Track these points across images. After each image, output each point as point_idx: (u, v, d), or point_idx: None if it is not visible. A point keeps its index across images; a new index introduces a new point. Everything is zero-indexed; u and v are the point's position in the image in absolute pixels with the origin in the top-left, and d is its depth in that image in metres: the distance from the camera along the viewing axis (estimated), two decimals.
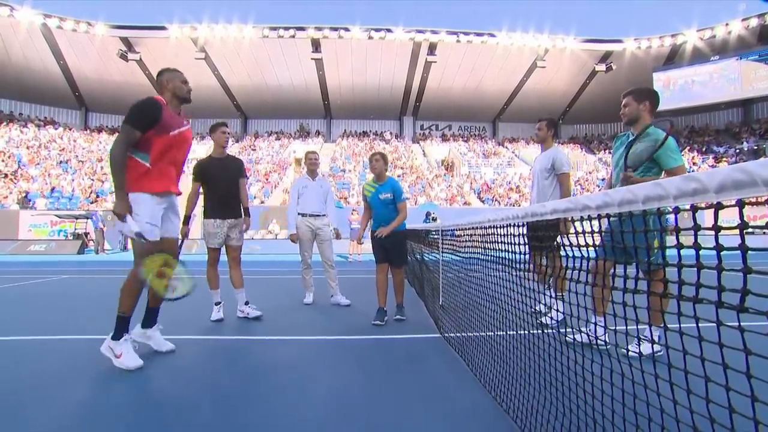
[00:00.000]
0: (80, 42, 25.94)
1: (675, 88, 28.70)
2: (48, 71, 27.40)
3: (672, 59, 29.28)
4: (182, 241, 3.33)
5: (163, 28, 25.89)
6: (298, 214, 4.34)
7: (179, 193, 2.60)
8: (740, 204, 0.62)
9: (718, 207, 0.65)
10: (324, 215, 4.41)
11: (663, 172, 2.40)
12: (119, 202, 2.26)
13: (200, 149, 23.68)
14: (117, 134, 2.36)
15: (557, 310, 1.16)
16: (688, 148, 28.83)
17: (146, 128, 2.32)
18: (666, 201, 0.79)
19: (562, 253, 1.37)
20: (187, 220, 3.50)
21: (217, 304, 3.58)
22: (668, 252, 0.99)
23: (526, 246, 1.73)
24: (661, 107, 29.24)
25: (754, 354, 0.63)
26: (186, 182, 3.23)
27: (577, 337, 1.87)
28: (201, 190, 3.65)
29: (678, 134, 31.79)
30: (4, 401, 1.86)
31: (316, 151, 4.53)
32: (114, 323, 2.33)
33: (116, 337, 2.31)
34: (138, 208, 2.31)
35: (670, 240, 2.56)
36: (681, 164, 2.33)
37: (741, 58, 26.69)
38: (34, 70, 27.04)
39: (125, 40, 26.31)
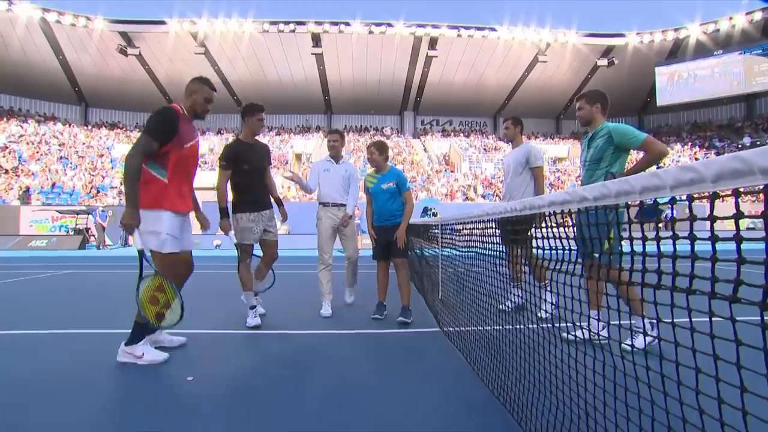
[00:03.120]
0: (79, 37, 25.84)
1: (678, 83, 28.52)
2: (47, 66, 27.32)
3: (675, 54, 29.07)
4: (232, 235, 3.19)
5: (162, 22, 25.76)
6: (320, 203, 3.79)
7: (191, 209, 2.56)
8: (736, 194, 0.61)
9: (714, 197, 0.64)
10: (344, 204, 3.81)
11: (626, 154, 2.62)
12: (129, 213, 2.19)
13: (203, 144, 23.66)
14: (133, 143, 2.28)
15: (549, 302, 1.16)
16: (690, 143, 28.70)
17: (165, 140, 2.27)
18: (663, 191, 0.78)
19: (534, 245, 1.40)
20: (225, 213, 3.18)
21: (252, 308, 3.15)
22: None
23: (501, 239, 1.76)
24: (664, 102, 29.18)
25: (745, 344, 0.62)
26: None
27: (578, 333, 1.87)
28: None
29: (680, 130, 31.66)
30: (16, 394, 1.87)
31: (338, 131, 3.95)
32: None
33: (131, 342, 2.28)
34: (158, 222, 2.29)
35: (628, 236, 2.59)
36: (644, 137, 2.48)
37: (744, 53, 26.49)
38: (33, 66, 26.96)
39: (124, 35, 26.19)
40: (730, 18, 26.09)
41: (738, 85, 26.95)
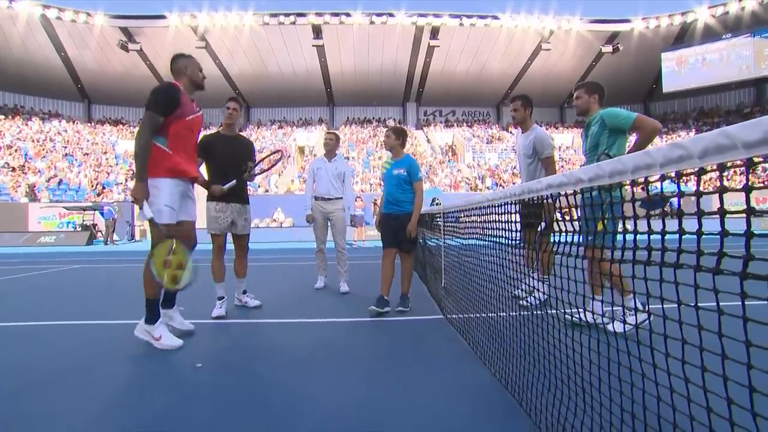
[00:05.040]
0: (80, 33, 25.81)
1: (685, 69, 27.99)
2: (49, 63, 27.37)
3: (682, 38, 28.49)
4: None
5: (162, 17, 25.65)
6: (314, 197, 4.28)
7: (198, 177, 2.62)
8: (721, 168, 0.63)
9: (701, 173, 0.66)
10: (337, 198, 4.26)
11: (627, 134, 2.61)
12: (138, 187, 2.30)
13: None
14: (140, 122, 2.40)
15: (540, 291, 1.18)
16: (696, 130, 28.29)
17: (167, 113, 2.35)
18: (653, 169, 0.79)
19: (551, 234, 1.40)
20: (207, 184, 3.19)
21: (220, 298, 3.24)
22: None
23: (518, 225, 1.75)
24: (670, 88, 28.68)
25: (727, 314, 0.64)
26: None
27: (582, 316, 1.89)
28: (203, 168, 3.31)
29: (686, 116, 31.20)
30: (33, 381, 1.94)
31: (333, 132, 4.46)
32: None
33: (150, 321, 2.38)
34: (156, 192, 2.37)
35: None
36: (635, 116, 2.48)
37: (755, 36, 25.87)
38: (35, 63, 27.03)
39: (125, 30, 26.12)
40: (740, 0, 25.46)
41: (747, 69, 26.37)
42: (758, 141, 0.55)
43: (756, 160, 0.57)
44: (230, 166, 3.25)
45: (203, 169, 3.36)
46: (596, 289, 2.22)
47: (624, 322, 1.30)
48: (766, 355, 0.55)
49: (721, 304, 0.64)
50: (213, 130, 3.38)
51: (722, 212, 0.60)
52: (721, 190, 0.60)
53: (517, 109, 3.38)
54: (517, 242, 1.77)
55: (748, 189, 0.57)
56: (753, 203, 0.57)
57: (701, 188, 0.68)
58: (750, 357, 0.57)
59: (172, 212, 2.43)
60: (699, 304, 0.68)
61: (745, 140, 0.58)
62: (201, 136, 3.30)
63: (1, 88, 28.46)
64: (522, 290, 1.89)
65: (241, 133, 3.54)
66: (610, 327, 2.22)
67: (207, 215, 3.29)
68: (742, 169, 0.60)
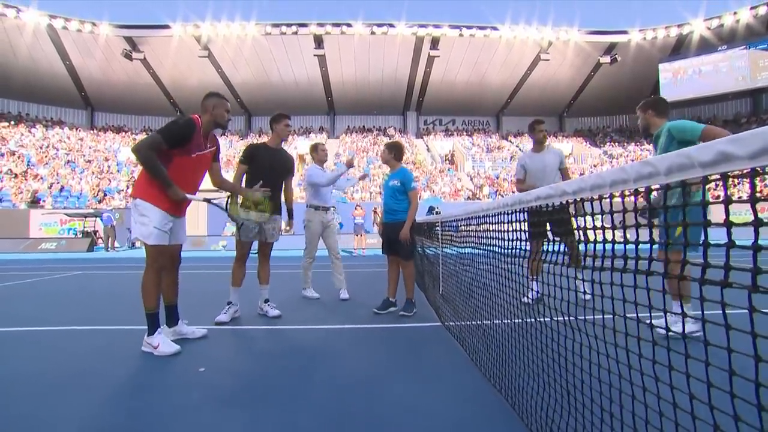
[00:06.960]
0: (85, 42, 26.21)
1: (682, 79, 28.33)
2: (54, 72, 27.72)
3: (678, 50, 28.89)
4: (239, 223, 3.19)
5: (166, 26, 26.06)
6: (311, 207, 4.29)
7: (182, 216, 2.68)
8: (683, 184, 0.70)
9: (666, 188, 0.73)
10: (332, 207, 4.46)
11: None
12: (173, 193, 2.42)
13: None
14: (143, 138, 2.48)
15: (534, 290, 1.23)
16: None
17: (174, 145, 2.44)
18: (628, 184, 0.86)
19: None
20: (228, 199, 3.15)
21: (229, 303, 3.28)
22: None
23: (527, 234, 1.75)
24: (667, 98, 28.94)
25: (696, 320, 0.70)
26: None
27: (675, 329, 1.88)
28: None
29: None
30: (34, 388, 1.98)
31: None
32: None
33: (151, 332, 2.46)
34: (149, 215, 2.45)
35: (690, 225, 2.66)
36: (702, 127, 2.51)
37: (749, 47, 26.27)
38: (40, 71, 27.38)
39: (129, 40, 26.52)
40: (734, 13, 25.88)
41: (743, 80, 26.72)
42: (710, 161, 0.62)
43: (711, 177, 0.64)
44: (270, 176, 3.26)
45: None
46: (682, 297, 2.09)
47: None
48: (747, 360, 0.61)
49: (705, 312, 0.70)
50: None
51: (706, 223, 0.67)
52: (705, 203, 0.67)
53: (542, 131, 4.02)
54: (524, 251, 1.76)
55: (705, 204, 0.63)
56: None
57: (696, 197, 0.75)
58: (731, 364, 0.63)
59: (162, 234, 2.49)
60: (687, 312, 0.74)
61: (701, 160, 0.65)
62: (249, 144, 3.55)
63: (6, 96, 28.78)
64: (529, 297, 1.95)
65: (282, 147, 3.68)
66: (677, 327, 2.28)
67: (237, 222, 3.30)
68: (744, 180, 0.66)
